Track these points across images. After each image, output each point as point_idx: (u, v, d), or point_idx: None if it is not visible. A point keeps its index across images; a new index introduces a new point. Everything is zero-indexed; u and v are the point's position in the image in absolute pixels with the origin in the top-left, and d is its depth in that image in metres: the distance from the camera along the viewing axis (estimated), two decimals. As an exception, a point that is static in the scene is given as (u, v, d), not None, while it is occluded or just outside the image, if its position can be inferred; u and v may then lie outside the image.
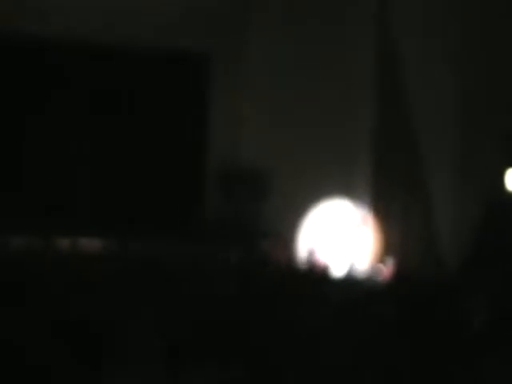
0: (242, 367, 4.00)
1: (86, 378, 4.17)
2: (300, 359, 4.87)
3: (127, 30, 14.23)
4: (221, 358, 4.61)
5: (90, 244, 10.54)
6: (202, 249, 11.39)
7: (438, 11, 11.38)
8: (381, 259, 13.12)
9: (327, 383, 4.74)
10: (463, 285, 8.55)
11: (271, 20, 15.02)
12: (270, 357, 4.90)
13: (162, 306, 5.90)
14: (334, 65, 14.51)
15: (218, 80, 15.33)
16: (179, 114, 15.07)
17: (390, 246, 13.17)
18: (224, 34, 15.26)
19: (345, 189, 14.56)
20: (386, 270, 11.00)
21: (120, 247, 10.03)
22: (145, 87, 14.83)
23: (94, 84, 14.58)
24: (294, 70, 14.74)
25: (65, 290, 6.04)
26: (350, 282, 10.30)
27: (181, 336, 5.06)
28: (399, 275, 10.83)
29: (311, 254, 13.72)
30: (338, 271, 12.45)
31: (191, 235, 13.23)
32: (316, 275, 10.11)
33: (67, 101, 14.43)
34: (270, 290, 7.45)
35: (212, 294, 6.74)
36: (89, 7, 14.17)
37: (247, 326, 5.47)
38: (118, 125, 14.84)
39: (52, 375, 4.26)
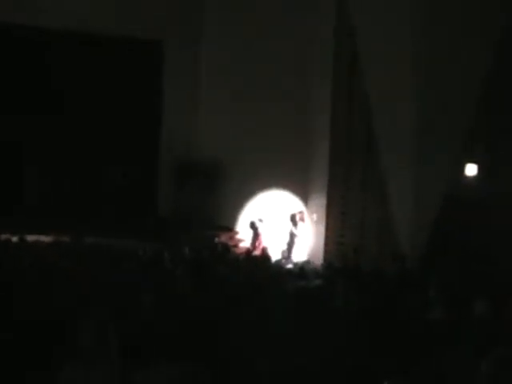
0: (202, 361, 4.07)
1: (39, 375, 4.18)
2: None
3: (79, 16, 14.13)
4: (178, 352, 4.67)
5: (40, 240, 10.46)
6: (158, 243, 11.38)
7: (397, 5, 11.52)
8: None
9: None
10: (421, 277, 8.77)
11: (224, 7, 15.07)
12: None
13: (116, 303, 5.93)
14: (293, 52, 14.60)
15: (171, 68, 15.32)
16: (131, 105, 15.00)
17: (346, 238, 13.37)
18: (177, 20, 15.21)
19: (300, 181, 14.76)
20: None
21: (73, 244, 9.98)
22: (95, 76, 14.73)
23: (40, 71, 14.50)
24: (250, 58, 14.82)
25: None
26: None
27: (136, 332, 5.09)
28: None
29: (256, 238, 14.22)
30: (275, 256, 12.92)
31: (146, 230, 13.23)
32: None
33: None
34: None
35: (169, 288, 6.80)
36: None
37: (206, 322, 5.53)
38: (63, 120, 14.70)
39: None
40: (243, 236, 14.82)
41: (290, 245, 14.17)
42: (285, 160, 14.53)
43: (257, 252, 13.40)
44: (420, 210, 11.33)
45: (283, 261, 12.94)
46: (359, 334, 5.67)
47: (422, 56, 11.01)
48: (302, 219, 14.34)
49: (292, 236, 14.24)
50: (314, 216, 14.49)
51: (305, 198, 14.93)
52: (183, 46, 15.22)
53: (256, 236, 14.35)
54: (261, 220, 14.42)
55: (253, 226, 14.52)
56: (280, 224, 14.54)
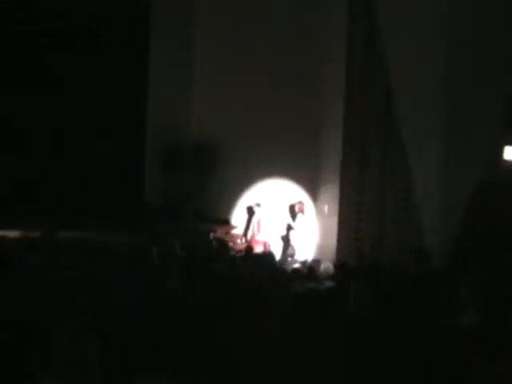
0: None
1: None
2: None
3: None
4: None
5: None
6: (144, 236, 11.36)
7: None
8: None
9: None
10: (450, 275, 8.74)
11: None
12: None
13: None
14: (297, 29, 14.50)
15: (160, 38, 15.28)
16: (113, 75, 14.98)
17: (362, 233, 13.35)
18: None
19: (309, 169, 14.71)
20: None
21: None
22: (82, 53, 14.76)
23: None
24: (252, 30, 14.70)
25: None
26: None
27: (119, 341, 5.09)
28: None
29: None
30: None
31: (132, 221, 13.21)
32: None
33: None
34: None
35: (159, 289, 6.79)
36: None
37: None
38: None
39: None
40: (241, 230, 14.82)
41: (287, 239, 14.23)
42: (291, 145, 14.44)
43: (253, 242, 13.73)
44: (448, 199, 11.29)
45: (289, 259, 12.95)
46: (375, 342, 5.63)
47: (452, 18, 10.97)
48: (301, 211, 14.31)
49: (289, 229, 14.26)
50: (325, 208, 14.42)
51: (314, 188, 14.87)
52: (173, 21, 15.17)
53: (250, 223, 14.45)
54: (258, 204, 14.46)
55: (250, 210, 14.60)
56: (280, 216, 14.55)
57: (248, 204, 14.74)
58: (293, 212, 14.39)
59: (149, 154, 15.33)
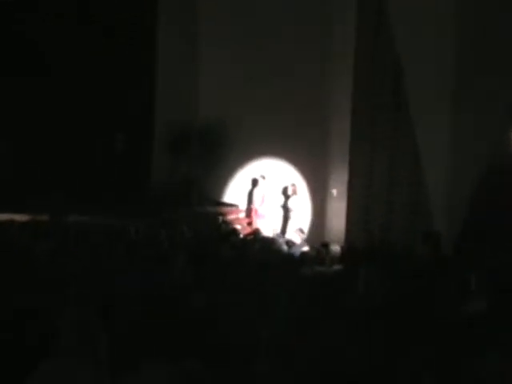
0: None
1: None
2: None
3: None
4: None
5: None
6: (151, 220, 11.33)
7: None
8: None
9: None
10: (459, 260, 8.65)
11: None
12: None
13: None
14: (306, 10, 14.38)
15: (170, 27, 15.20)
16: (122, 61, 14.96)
17: (371, 216, 13.28)
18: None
19: (317, 153, 14.65)
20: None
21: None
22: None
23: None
24: (260, 12, 14.55)
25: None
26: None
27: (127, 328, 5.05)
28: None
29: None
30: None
31: (141, 207, 13.17)
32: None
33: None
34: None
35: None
36: None
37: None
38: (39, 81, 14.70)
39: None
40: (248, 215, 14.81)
41: (285, 220, 14.35)
42: (301, 130, 14.36)
43: (256, 214, 14.08)
44: (457, 183, 11.18)
45: (299, 243, 12.93)
46: (384, 327, 5.55)
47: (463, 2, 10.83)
48: (294, 192, 14.50)
49: (286, 210, 14.41)
50: (334, 191, 14.37)
51: (323, 172, 14.80)
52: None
53: (252, 195, 14.57)
54: (263, 177, 14.62)
55: (254, 182, 14.71)
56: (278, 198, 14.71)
57: (253, 176, 14.82)
58: (286, 194, 14.56)
59: (157, 141, 15.30)
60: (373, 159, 13.25)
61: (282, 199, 14.56)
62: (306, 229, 13.81)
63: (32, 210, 10.53)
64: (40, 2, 14.82)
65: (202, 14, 14.99)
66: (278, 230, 13.81)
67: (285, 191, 14.60)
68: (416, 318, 5.67)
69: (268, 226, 13.98)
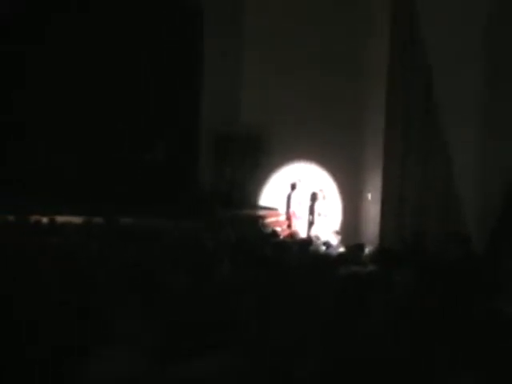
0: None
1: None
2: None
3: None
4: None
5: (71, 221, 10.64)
6: (196, 222, 11.48)
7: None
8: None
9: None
10: (490, 261, 8.66)
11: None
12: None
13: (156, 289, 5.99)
14: (341, 19, 14.51)
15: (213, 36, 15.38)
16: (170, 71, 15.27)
17: (405, 219, 13.30)
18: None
19: (352, 158, 14.72)
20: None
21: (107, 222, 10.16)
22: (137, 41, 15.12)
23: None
24: (297, 27, 14.77)
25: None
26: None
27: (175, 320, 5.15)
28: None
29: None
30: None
31: (188, 209, 13.39)
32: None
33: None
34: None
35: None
36: None
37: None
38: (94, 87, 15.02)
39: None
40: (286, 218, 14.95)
41: (311, 223, 14.51)
42: (336, 136, 14.50)
43: (294, 216, 14.30)
44: (488, 187, 11.19)
45: (334, 245, 13.03)
46: (419, 326, 5.61)
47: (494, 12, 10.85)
48: (322, 197, 14.68)
49: (313, 214, 14.58)
50: (368, 195, 14.44)
51: (358, 177, 14.88)
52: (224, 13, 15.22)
53: (290, 198, 14.81)
54: (300, 180, 14.92)
55: (293, 187, 14.93)
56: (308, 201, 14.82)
57: (291, 180, 15.00)
58: (314, 199, 14.68)
59: (203, 146, 15.51)
60: (406, 164, 13.29)
61: (309, 203, 14.69)
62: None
63: (86, 212, 10.76)
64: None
65: (246, 27, 15.21)
66: (316, 232, 13.89)
67: (313, 196, 14.73)
68: (449, 319, 5.73)
69: (305, 228, 14.11)
